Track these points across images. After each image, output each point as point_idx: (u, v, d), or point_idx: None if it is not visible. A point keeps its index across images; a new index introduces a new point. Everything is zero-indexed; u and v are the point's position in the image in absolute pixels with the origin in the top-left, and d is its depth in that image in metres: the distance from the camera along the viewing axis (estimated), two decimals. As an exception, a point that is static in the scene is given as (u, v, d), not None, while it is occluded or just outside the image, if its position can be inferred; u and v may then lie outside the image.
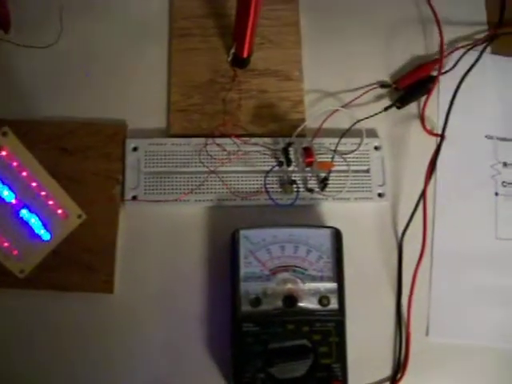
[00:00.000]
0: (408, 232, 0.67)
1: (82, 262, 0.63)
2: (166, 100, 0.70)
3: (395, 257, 0.67)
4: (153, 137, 0.67)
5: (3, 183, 0.49)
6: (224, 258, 0.64)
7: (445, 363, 0.64)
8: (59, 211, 0.57)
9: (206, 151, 0.65)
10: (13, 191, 0.50)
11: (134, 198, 0.65)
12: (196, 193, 0.65)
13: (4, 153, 0.48)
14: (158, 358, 0.62)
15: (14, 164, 0.50)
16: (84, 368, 0.62)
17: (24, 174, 0.51)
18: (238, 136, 0.66)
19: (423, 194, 0.65)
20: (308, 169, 0.65)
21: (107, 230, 0.64)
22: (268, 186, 0.66)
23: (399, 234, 0.67)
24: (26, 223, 0.54)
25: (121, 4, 0.73)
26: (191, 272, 0.65)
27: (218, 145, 0.66)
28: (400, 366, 0.64)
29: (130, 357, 0.62)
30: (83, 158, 0.66)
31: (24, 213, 0.53)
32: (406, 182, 0.69)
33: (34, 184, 0.52)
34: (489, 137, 0.71)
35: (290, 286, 0.60)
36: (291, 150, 0.65)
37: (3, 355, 0.62)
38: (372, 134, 0.70)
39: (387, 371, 0.64)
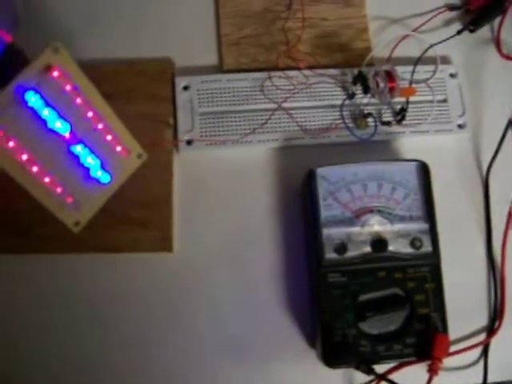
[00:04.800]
0: (494, 166, 0.60)
1: (135, 219, 0.56)
2: (214, 33, 0.63)
3: (481, 194, 0.60)
4: (203, 74, 0.60)
5: (57, 112, 0.41)
6: (295, 204, 0.57)
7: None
8: (118, 148, 0.48)
9: (273, 84, 0.58)
10: (67, 122, 0.42)
11: (189, 142, 0.58)
12: (259, 132, 0.58)
13: (56, 73, 0.39)
14: (229, 321, 0.56)
15: (67, 88, 0.41)
16: (146, 337, 0.55)
17: (78, 100, 0.42)
18: (304, 68, 0.59)
19: (513, 121, 0.58)
20: (384, 99, 0.58)
21: (161, 181, 0.57)
22: (338, 121, 0.58)
23: (484, 169, 0.60)
24: (80, 163, 0.45)
25: None
26: (259, 222, 0.58)
27: (282, 78, 0.58)
28: (496, 315, 0.57)
29: (198, 321, 0.55)
30: (126, 101, 0.58)
31: (79, 150, 0.44)
32: (487, 111, 0.62)
33: (90, 114, 0.43)
34: None
35: (377, 228, 0.53)
36: (369, 78, 0.57)
37: (49, 326, 0.55)
38: (445, 61, 0.63)
39: (483, 321, 0.57)
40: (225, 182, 0.58)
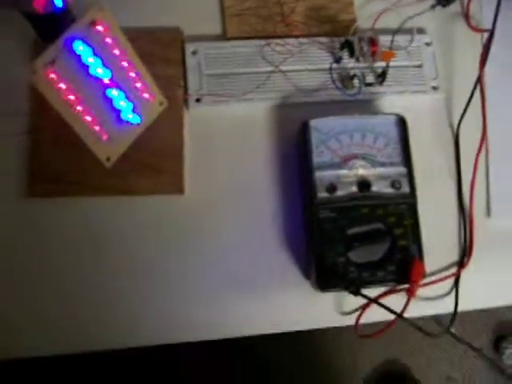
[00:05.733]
0: (463, 122, 0.69)
1: (151, 166, 0.64)
2: (218, 5, 0.70)
3: (452, 146, 0.69)
4: (209, 41, 0.68)
5: (100, 60, 0.49)
6: (292, 153, 0.65)
7: (509, 247, 0.67)
8: (146, 95, 0.56)
9: (271, 49, 0.67)
10: (108, 69, 0.50)
11: (198, 100, 0.65)
12: (259, 92, 0.66)
13: (100, 27, 0.47)
14: (233, 255, 0.64)
15: (108, 40, 0.49)
16: (160, 268, 0.63)
17: (116, 51, 0.50)
18: (298, 35, 0.67)
19: (479, 80, 0.67)
20: (366, 64, 0.67)
21: (173, 133, 0.65)
22: (328, 83, 0.67)
23: (455, 125, 0.69)
24: (115, 106, 0.53)
25: None
26: (261, 170, 0.66)
27: (279, 44, 0.66)
28: (466, 251, 0.66)
29: (206, 255, 0.63)
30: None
31: (114, 93, 0.52)
32: (457, 75, 0.71)
33: (125, 64, 0.51)
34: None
35: (362, 171, 0.61)
36: (354, 42, 0.66)
37: (73, 262, 0.62)
38: (421, 31, 0.72)
39: (454, 256, 0.66)
40: (230, 135, 0.66)
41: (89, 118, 0.50)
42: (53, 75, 0.45)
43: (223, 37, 0.69)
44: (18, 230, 0.63)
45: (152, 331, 0.62)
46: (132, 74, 0.53)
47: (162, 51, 0.66)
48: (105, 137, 0.53)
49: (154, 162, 0.63)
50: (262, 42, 0.67)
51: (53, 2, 0.45)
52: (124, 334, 0.62)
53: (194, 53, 0.67)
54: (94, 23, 0.47)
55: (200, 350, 0.59)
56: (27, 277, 0.62)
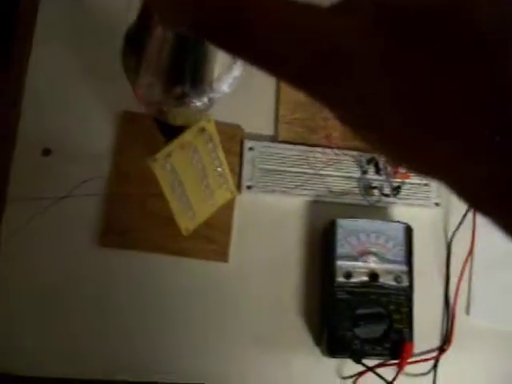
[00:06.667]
0: (457, 234, 0.85)
1: (205, 236, 0.78)
2: (274, 113, 0.86)
3: (445, 252, 0.85)
4: (263, 141, 0.84)
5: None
6: (319, 241, 0.81)
7: (482, 340, 0.82)
8: (224, 186, 0.72)
9: (313, 156, 0.82)
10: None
11: (249, 187, 0.81)
12: (298, 188, 0.82)
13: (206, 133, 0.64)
14: (258, 317, 0.78)
15: (210, 145, 0.66)
16: (198, 320, 0.77)
17: (213, 154, 0.67)
18: (335, 147, 0.83)
19: (473, 205, 0.83)
20: (386, 179, 0.83)
21: (226, 211, 0.80)
22: (354, 189, 0.83)
23: (449, 235, 0.85)
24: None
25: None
26: (291, 251, 0.81)
27: (320, 152, 0.83)
28: (447, 339, 0.81)
29: (239, 314, 0.78)
30: (209, 152, 0.81)
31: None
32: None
33: (216, 162, 0.68)
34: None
35: (373, 265, 0.77)
36: (380, 161, 0.83)
37: (119, 314, 0.76)
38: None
39: (436, 342, 0.81)
40: (271, 220, 0.81)
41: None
42: (167, 165, 0.61)
43: (275, 139, 0.85)
44: (90, 271, 0.77)
45: (184, 370, 0.76)
46: (219, 169, 0.69)
47: (226, 143, 0.81)
48: (189, 213, 0.69)
49: (208, 232, 0.78)
50: (307, 148, 0.83)
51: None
52: (165, 369, 0.76)
53: (251, 149, 0.82)
54: (202, 130, 0.63)
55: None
56: (93, 313, 0.76)
